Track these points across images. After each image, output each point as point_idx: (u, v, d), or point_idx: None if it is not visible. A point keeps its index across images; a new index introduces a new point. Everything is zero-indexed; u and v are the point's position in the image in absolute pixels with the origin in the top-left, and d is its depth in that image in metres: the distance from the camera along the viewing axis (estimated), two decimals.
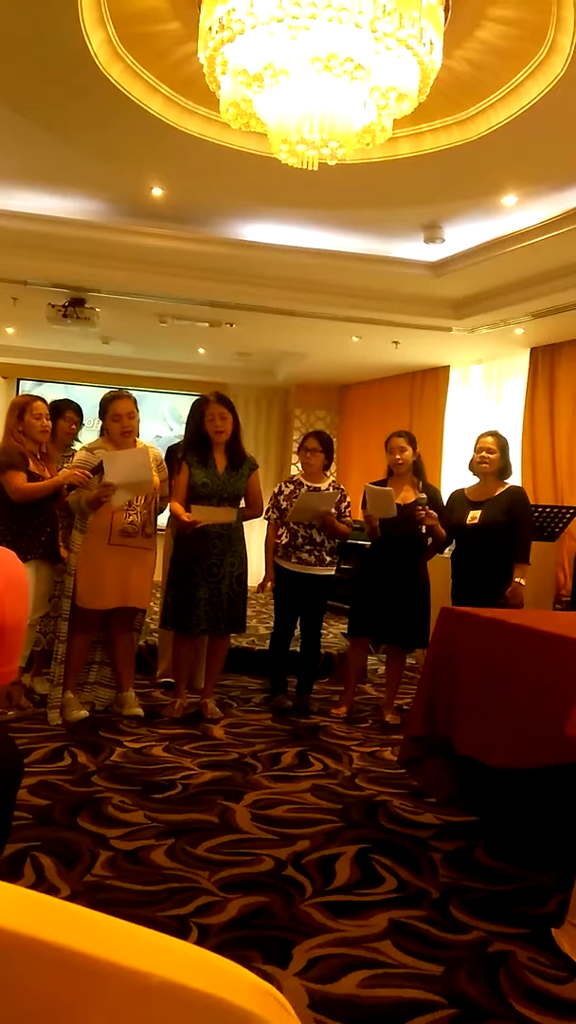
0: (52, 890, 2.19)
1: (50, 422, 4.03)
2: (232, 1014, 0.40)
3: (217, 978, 0.42)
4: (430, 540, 4.24)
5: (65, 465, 4.23)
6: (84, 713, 3.90)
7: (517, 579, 3.96)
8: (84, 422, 4.82)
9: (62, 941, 0.41)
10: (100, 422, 4.07)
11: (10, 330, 7.93)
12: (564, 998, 1.85)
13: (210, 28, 2.77)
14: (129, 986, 0.40)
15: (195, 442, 4.08)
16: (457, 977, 1.90)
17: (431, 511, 4.09)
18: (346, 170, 3.87)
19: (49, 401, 4.21)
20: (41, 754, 3.32)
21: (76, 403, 4.76)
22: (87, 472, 3.80)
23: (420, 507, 4.08)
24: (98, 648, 4.16)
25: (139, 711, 4.01)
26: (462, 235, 5.19)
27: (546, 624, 2.57)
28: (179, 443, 4.49)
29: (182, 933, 2.03)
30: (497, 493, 4.09)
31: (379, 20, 2.64)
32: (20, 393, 8.63)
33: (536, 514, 5.41)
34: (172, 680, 4.29)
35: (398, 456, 4.26)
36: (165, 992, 0.40)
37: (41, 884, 2.23)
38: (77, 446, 4.50)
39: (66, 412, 4.58)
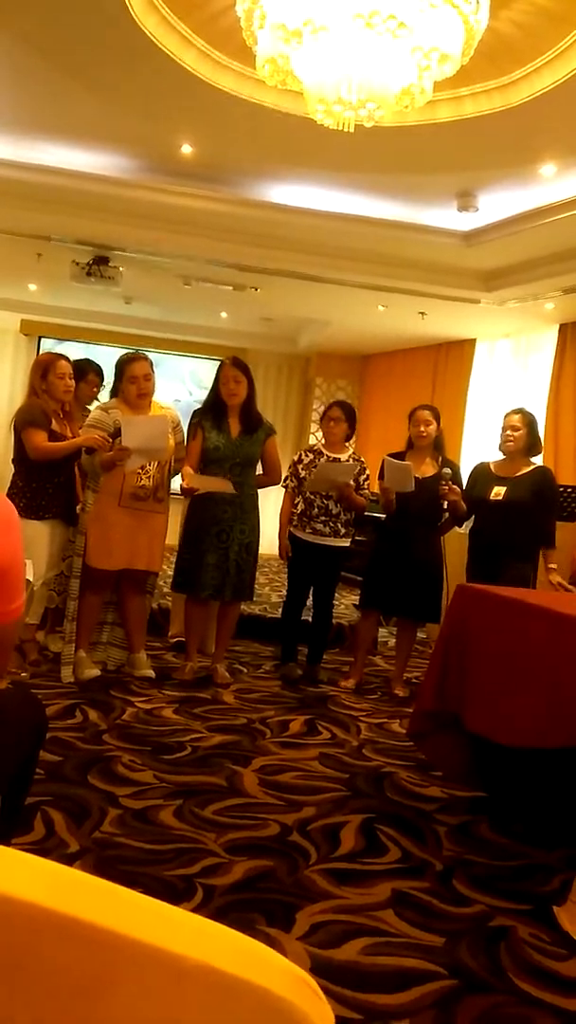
0: (61, 845, 2.23)
1: (73, 382, 4.01)
2: (266, 1000, 0.39)
3: (252, 963, 0.41)
4: (446, 515, 4.21)
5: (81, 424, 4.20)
6: (96, 672, 3.94)
7: (551, 564, 4.02)
8: (104, 384, 4.80)
9: (95, 919, 0.40)
10: (115, 383, 4.04)
11: (33, 287, 7.87)
12: (563, 975, 1.87)
13: None
14: (162, 967, 0.40)
15: (211, 406, 4.07)
16: (458, 949, 1.92)
17: (454, 486, 4.07)
18: (381, 133, 3.77)
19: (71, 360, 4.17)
20: (53, 711, 3.36)
21: (98, 364, 4.72)
22: (107, 436, 3.78)
23: (444, 482, 4.05)
24: (111, 609, 4.18)
25: (150, 672, 4.04)
26: (497, 204, 5.06)
27: (563, 605, 2.55)
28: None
29: (188, 893, 2.07)
30: (524, 471, 4.05)
31: None
32: (41, 351, 8.62)
33: None
34: (184, 639, 4.33)
35: (422, 429, 4.22)
36: (199, 975, 0.40)
37: (50, 839, 2.27)
38: (93, 405, 4.47)
39: (88, 375, 4.55)
